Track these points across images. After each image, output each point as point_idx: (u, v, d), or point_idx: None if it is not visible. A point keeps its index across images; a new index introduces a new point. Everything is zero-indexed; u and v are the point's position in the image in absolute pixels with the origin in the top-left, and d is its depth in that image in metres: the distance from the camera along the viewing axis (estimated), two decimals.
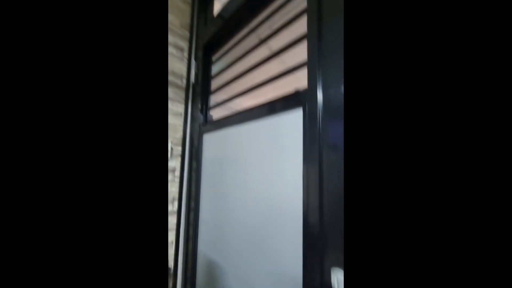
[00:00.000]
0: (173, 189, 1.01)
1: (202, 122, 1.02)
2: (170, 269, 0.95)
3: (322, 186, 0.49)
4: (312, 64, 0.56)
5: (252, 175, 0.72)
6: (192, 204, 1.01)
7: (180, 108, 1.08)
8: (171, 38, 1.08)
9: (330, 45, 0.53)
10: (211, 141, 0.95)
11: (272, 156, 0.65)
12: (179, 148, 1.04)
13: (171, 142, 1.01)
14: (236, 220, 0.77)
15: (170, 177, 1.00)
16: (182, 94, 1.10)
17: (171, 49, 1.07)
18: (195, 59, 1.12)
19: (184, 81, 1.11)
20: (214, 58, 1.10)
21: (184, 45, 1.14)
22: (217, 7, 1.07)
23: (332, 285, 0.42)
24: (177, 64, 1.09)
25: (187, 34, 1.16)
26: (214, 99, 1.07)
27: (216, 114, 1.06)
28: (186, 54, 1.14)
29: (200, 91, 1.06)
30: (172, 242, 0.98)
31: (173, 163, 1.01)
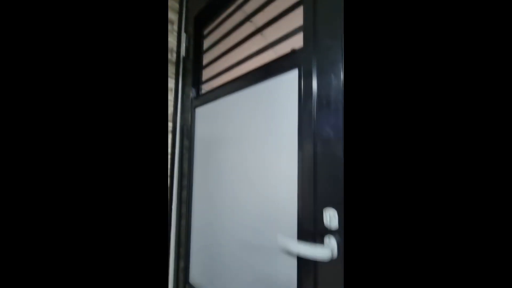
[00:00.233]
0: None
1: (194, 96, 1.00)
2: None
3: (316, 149, 0.50)
4: (308, 25, 0.55)
5: (246, 146, 0.71)
6: (185, 182, 1.00)
7: (171, 83, 1.05)
8: None
9: (326, 6, 0.53)
10: (204, 115, 0.93)
11: (267, 123, 0.65)
12: (170, 124, 1.02)
13: None
14: (231, 198, 0.77)
15: None
16: (173, 69, 1.06)
17: None
18: (186, 32, 1.08)
19: (174, 55, 1.07)
20: (206, 31, 1.06)
21: (174, 17, 1.09)
22: None
23: (325, 222, 0.44)
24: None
25: (176, 5, 1.11)
26: (206, 74, 1.05)
27: (208, 89, 1.04)
28: (175, 27, 1.09)
29: (191, 66, 1.02)
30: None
31: None
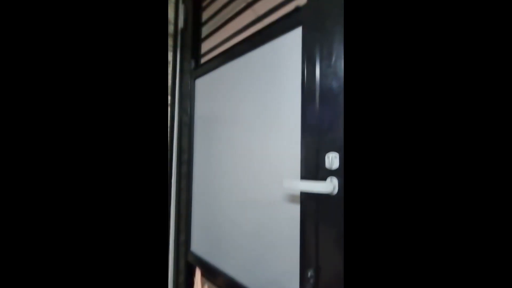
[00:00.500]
0: None
1: (193, 67, 0.98)
2: None
3: (319, 100, 0.50)
4: None
5: (250, 107, 0.70)
6: (185, 157, 0.99)
7: (169, 56, 1.02)
8: None
9: None
10: (204, 85, 0.91)
11: (271, 82, 0.64)
12: (169, 98, 1.00)
13: None
14: (234, 156, 0.77)
15: None
16: (170, 41, 1.03)
17: None
18: (183, 2, 1.04)
19: (172, 27, 1.04)
20: (204, 3, 1.03)
21: None
22: None
23: (327, 165, 0.46)
24: None
25: None
26: (205, 47, 1.02)
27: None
28: None
29: (190, 38, 0.99)
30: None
31: None
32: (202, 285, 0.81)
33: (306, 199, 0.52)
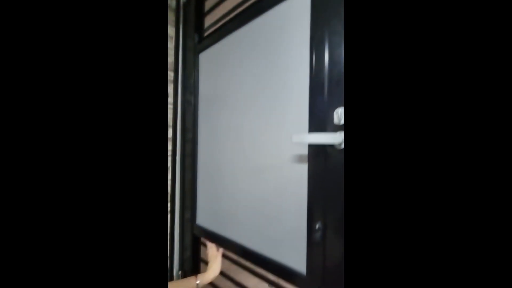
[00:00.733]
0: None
1: (197, 40, 0.95)
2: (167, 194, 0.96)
3: (328, 59, 0.49)
4: None
5: (255, 77, 0.68)
6: (189, 135, 0.98)
7: (171, 31, 0.99)
8: None
9: None
10: (208, 59, 0.88)
11: (276, 49, 0.62)
12: (172, 74, 0.98)
13: None
14: (239, 124, 0.76)
15: None
16: (172, 16, 1.00)
17: None
18: None
19: (174, 1, 1.01)
20: None
21: None
22: None
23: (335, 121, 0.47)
24: None
25: None
26: (208, 21, 0.99)
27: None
28: None
29: (193, 12, 0.96)
30: (169, 167, 0.97)
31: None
32: (217, 249, 0.82)
33: (314, 155, 0.52)
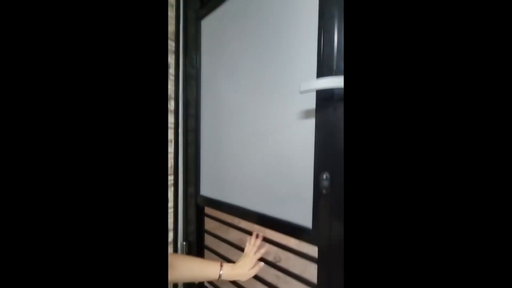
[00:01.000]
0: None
1: (199, 5, 0.90)
2: (170, 167, 0.95)
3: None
4: None
5: (259, 33, 0.65)
6: (192, 111, 0.95)
7: None
8: None
9: None
10: (211, 27, 0.84)
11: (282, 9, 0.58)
12: (173, 44, 0.94)
13: None
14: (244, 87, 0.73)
15: None
16: None
17: None
18: None
19: None
20: None
21: None
22: None
23: None
24: None
25: None
26: None
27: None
28: None
29: None
30: (171, 141, 0.95)
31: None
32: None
33: (322, 106, 0.52)
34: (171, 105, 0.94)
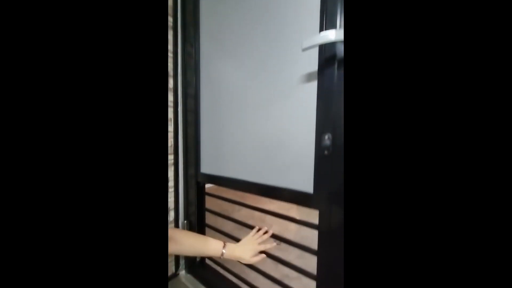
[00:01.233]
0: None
1: None
2: (170, 146, 0.94)
3: None
4: None
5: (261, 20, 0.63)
6: (191, 91, 0.93)
7: None
8: None
9: None
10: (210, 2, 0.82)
11: None
12: (171, 19, 0.90)
13: None
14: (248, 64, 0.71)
15: None
16: None
17: None
18: None
19: None
20: None
21: None
22: None
23: None
24: None
25: None
26: None
27: None
28: None
29: None
30: (171, 119, 0.94)
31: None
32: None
33: (324, 66, 0.51)
34: (170, 83, 0.92)
